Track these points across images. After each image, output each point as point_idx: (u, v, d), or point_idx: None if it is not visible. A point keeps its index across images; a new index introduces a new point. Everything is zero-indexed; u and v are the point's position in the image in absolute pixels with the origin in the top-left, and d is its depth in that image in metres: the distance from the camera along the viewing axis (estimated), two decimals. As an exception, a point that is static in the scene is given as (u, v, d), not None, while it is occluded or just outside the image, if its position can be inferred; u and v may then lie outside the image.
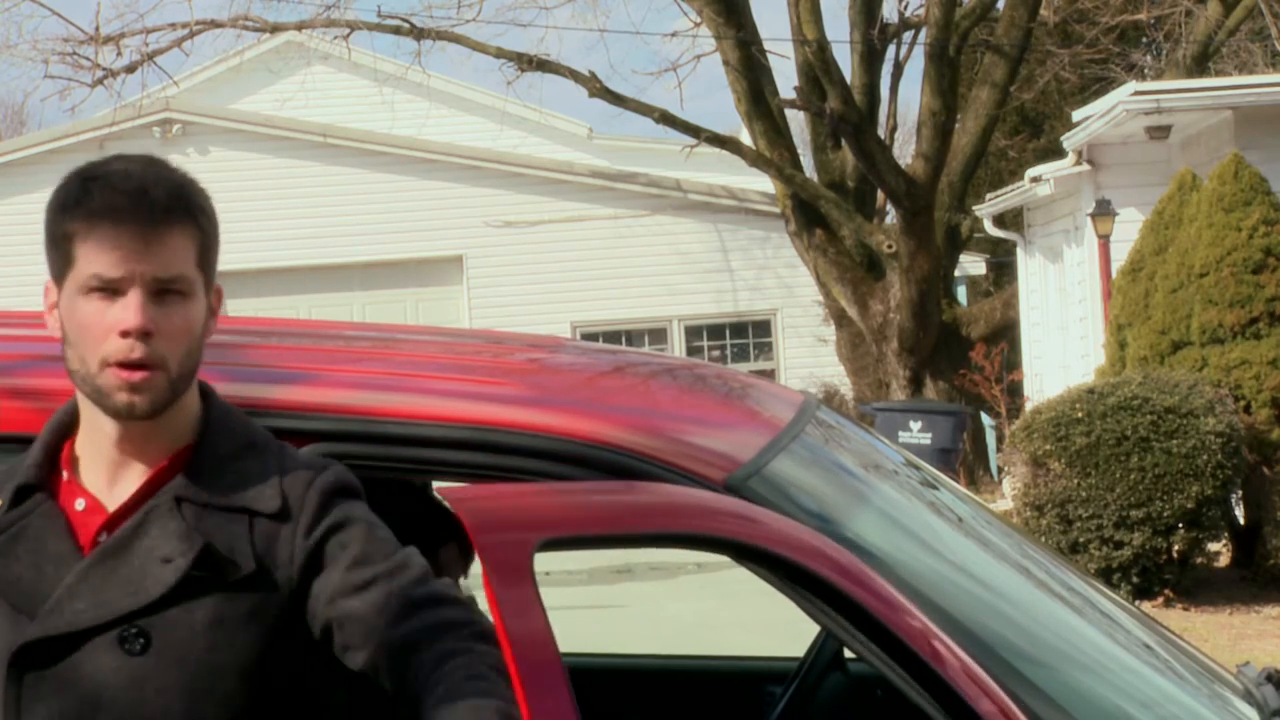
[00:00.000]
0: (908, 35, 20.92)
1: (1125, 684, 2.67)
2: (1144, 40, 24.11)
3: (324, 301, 21.66)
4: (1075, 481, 10.83)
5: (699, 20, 19.70)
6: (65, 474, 2.20)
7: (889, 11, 20.21)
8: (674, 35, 22.47)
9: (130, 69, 20.23)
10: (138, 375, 2.09)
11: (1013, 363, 19.01)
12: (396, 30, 20.11)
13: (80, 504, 2.17)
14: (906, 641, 2.23)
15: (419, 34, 19.94)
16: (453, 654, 2.03)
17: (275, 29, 21.16)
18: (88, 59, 20.04)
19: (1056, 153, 17.38)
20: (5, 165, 21.86)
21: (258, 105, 24.21)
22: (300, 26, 20.98)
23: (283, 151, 22.04)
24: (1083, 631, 2.83)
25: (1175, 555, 10.94)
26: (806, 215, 19.25)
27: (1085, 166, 15.49)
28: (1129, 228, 13.87)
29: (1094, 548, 10.83)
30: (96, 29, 19.90)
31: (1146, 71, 23.64)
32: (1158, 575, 10.94)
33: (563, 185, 22.26)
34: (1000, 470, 15.64)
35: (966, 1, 19.08)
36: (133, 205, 2.09)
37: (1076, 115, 15.65)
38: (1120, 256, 13.52)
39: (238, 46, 22.23)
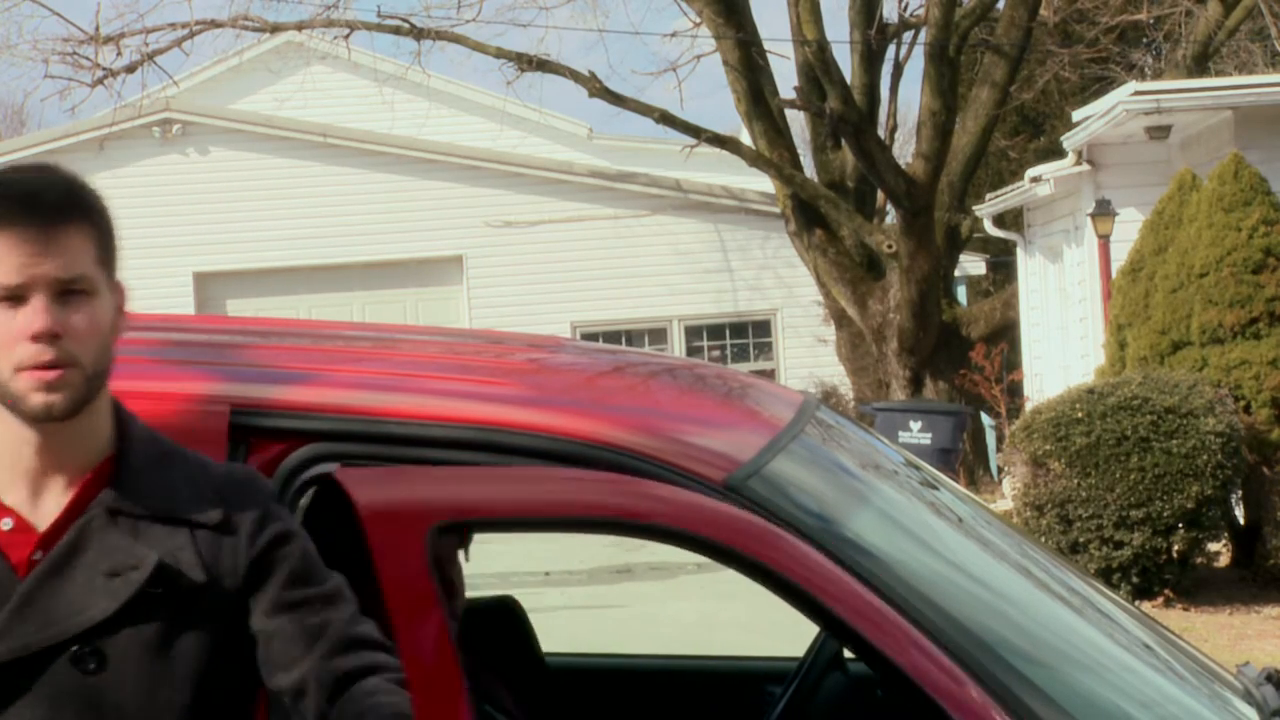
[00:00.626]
0: (908, 35, 20.92)
1: (1125, 684, 2.67)
2: (1144, 40, 24.12)
3: (324, 301, 21.66)
4: (1075, 481, 10.83)
5: (699, 20, 19.70)
6: None
7: (889, 11, 20.23)
8: (674, 35, 22.49)
9: (130, 69, 20.23)
10: (52, 374, 2.07)
11: (1013, 363, 19.01)
12: (396, 30, 20.11)
13: (6, 524, 2.13)
14: (819, 599, 2.28)
15: (419, 34, 19.94)
16: (376, 694, 2.13)
17: (275, 29, 21.15)
18: (88, 59, 20.04)
19: (1056, 153, 17.38)
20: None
21: (257, 105, 24.21)
22: (300, 26, 20.97)
23: (283, 151, 22.04)
24: (1083, 631, 2.83)
25: (1175, 555, 10.94)
26: (806, 215, 19.25)
27: (1085, 166, 15.49)
28: (1129, 228, 13.87)
29: (1094, 548, 10.83)
30: (96, 29, 19.90)
31: (1146, 71, 23.64)
32: (1158, 575, 10.94)
33: (563, 185, 22.26)
34: (1000, 470, 15.63)
35: (966, 1, 19.08)
36: (25, 210, 2.08)
37: (1076, 115, 15.65)
38: (1120, 256, 13.52)
39: (237, 46, 22.24)
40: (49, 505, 2.14)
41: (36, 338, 2.06)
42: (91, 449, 2.16)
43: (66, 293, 2.08)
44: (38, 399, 2.07)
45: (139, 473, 2.16)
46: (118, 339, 2.16)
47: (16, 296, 2.07)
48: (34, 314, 2.06)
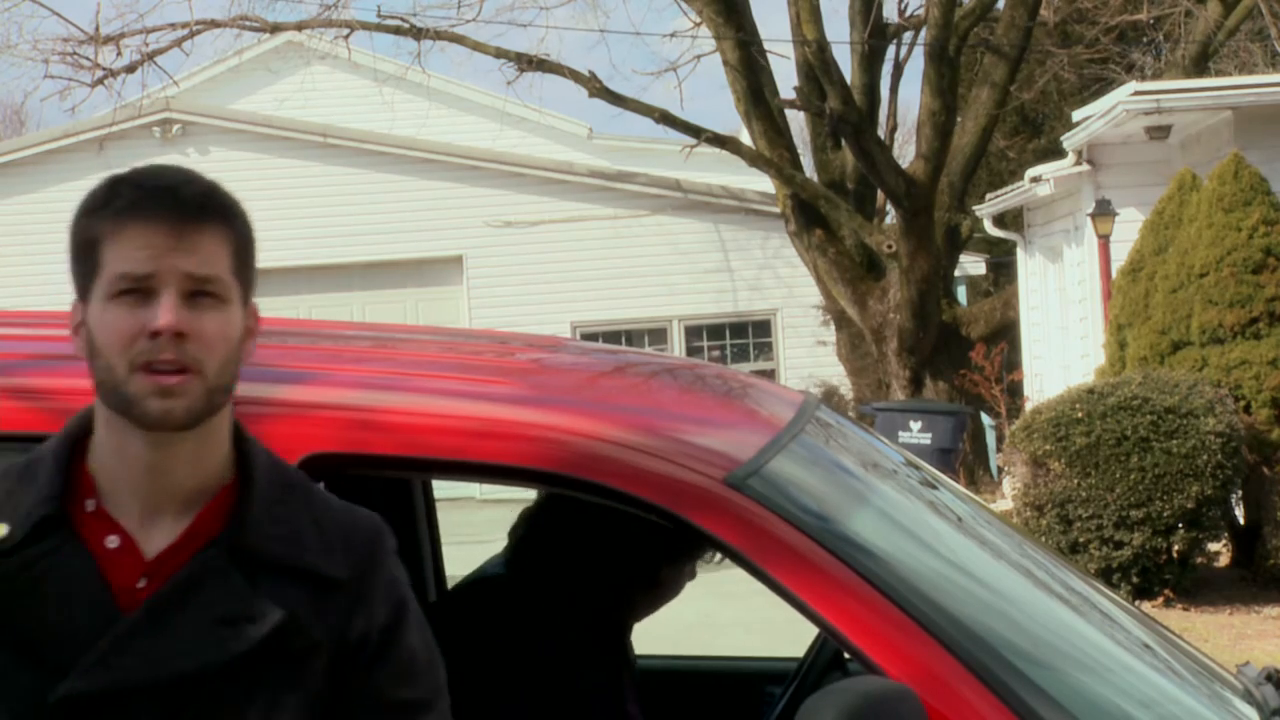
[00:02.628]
0: (908, 35, 20.92)
1: (1125, 684, 2.67)
2: (1144, 40, 24.10)
3: (324, 301, 21.67)
4: (1075, 481, 10.83)
5: (699, 20, 19.70)
6: (89, 503, 1.98)
7: (889, 11, 20.22)
8: (674, 35, 22.49)
9: (130, 69, 20.22)
10: (172, 379, 1.90)
11: (1013, 363, 19.01)
12: (396, 30, 20.11)
13: (112, 541, 1.96)
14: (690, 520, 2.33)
15: (418, 34, 19.94)
16: None
17: (275, 29, 21.15)
18: (88, 59, 20.04)
19: (1056, 153, 17.37)
20: (5, 165, 21.85)
21: (258, 105, 24.21)
22: (300, 26, 20.97)
23: (283, 151, 22.04)
24: (1083, 631, 2.83)
25: (1175, 555, 10.94)
26: (806, 215, 19.25)
27: (1085, 166, 15.49)
28: (1129, 228, 13.87)
29: (1094, 548, 10.83)
30: (96, 29, 19.90)
31: (1146, 71, 23.63)
32: (1158, 575, 10.94)
33: (563, 185, 22.26)
34: (1000, 470, 15.63)
35: (966, 1, 19.08)
36: (162, 200, 1.94)
37: (1076, 115, 15.65)
38: (1120, 256, 13.52)
39: (237, 46, 22.25)
40: (159, 530, 1.97)
41: (158, 333, 1.90)
42: (209, 472, 2.00)
43: (197, 294, 1.93)
44: (154, 404, 1.91)
45: (263, 508, 1.99)
46: (246, 359, 2.00)
47: (144, 290, 1.92)
48: (160, 308, 1.90)
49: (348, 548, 2.02)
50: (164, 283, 1.92)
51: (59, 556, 1.95)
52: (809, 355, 21.96)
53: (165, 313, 1.90)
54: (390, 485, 3.55)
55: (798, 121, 22.95)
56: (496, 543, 3.18)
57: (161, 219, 1.93)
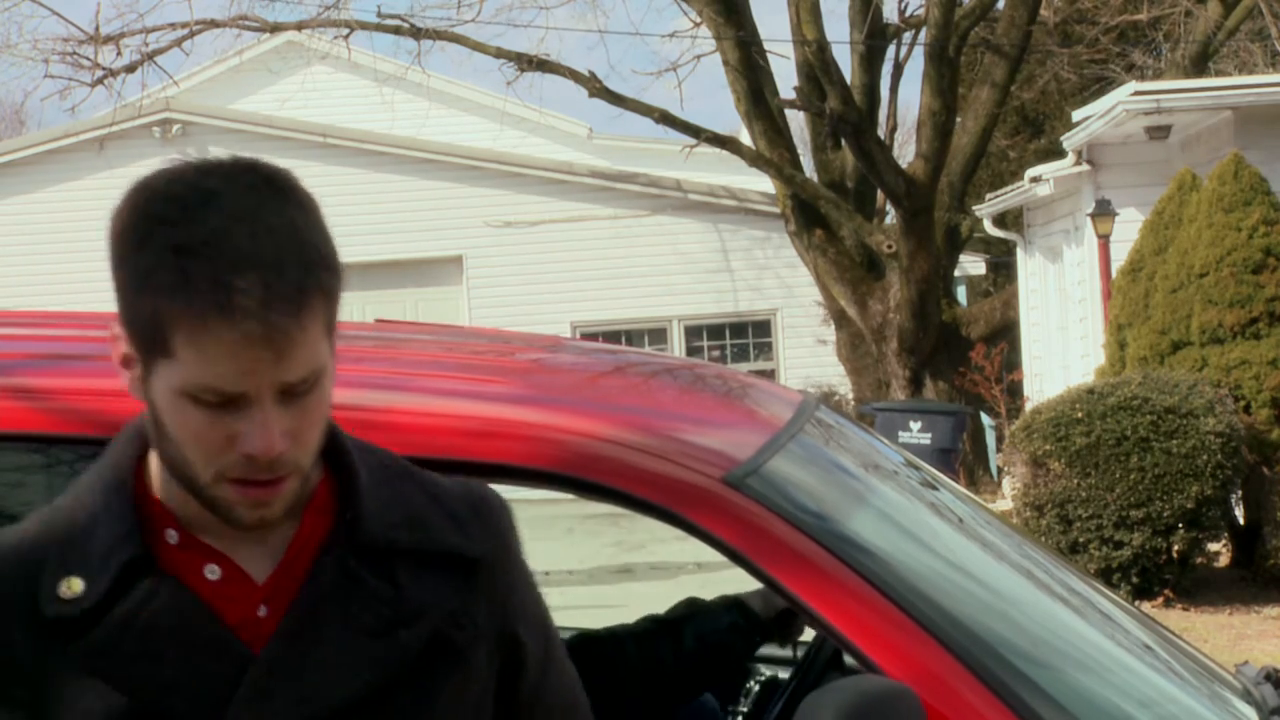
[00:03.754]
0: (908, 35, 20.92)
1: (1124, 683, 2.67)
2: (1144, 40, 24.10)
3: (324, 301, 21.65)
4: (1075, 481, 10.83)
5: (699, 20, 19.70)
6: (170, 534, 1.68)
7: (889, 11, 20.23)
8: (674, 35, 22.49)
9: (130, 69, 20.23)
10: (268, 493, 1.62)
11: (1012, 363, 19.01)
12: (396, 30, 20.11)
13: (212, 572, 1.66)
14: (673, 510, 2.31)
15: (418, 34, 19.94)
16: None
17: (275, 29, 21.16)
18: (88, 59, 20.04)
19: (1056, 153, 17.38)
20: (5, 165, 21.86)
21: (258, 105, 24.22)
22: (300, 26, 20.98)
23: (283, 151, 22.04)
24: (1082, 631, 2.83)
25: (1175, 555, 10.94)
26: (806, 215, 19.25)
27: (1085, 166, 15.49)
28: (1129, 228, 13.87)
29: (1094, 548, 10.83)
30: (96, 29, 19.90)
31: (1146, 71, 23.63)
32: (1158, 575, 10.94)
33: (563, 185, 22.27)
34: (1000, 470, 15.64)
35: (966, 1, 19.08)
36: (256, 307, 1.55)
37: (1076, 115, 15.65)
38: (1120, 256, 13.52)
39: (237, 46, 22.25)
40: (259, 548, 1.67)
41: (253, 458, 1.60)
42: (303, 480, 1.70)
43: (296, 387, 1.61)
44: (245, 514, 1.62)
45: (371, 494, 1.72)
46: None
47: (232, 400, 1.59)
48: (257, 429, 1.59)
49: (479, 521, 1.77)
50: (259, 397, 1.59)
51: (158, 603, 1.64)
52: (809, 355, 21.96)
53: (264, 439, 1.59)
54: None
55: (798, 121, 22.96)
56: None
57: (254, 327, 1.55)
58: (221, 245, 1.56)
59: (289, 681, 1.64)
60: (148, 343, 1.59)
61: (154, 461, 1.69)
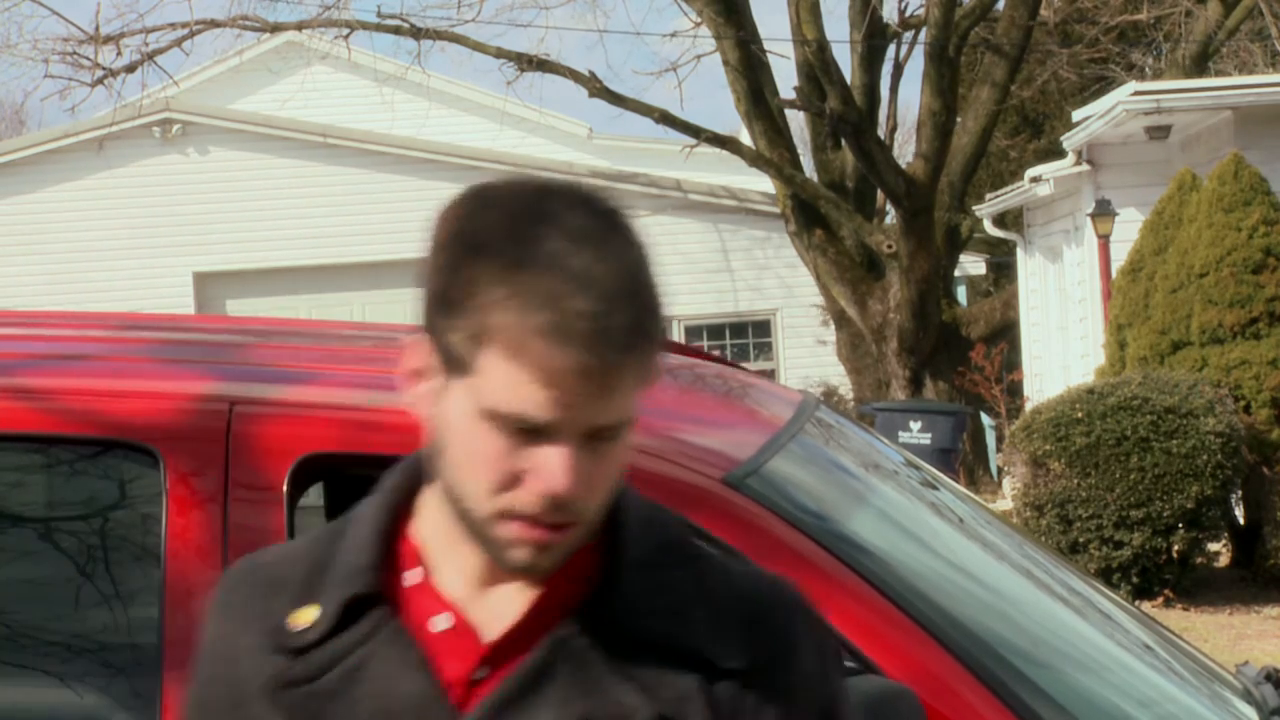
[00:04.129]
0: (908, 35, 20.92)
1: (1124, 683, 2.67)
2: (1144, 40, 24.10)
3: (324, 301, 21.66)
4: (1075, 481, 10.83)
5: (699, 20, 19.70)
6: (411, 574, 1.57)
7: (889, 11, 20.22)
8: (674, 35, 22.48)
9: (130, 69, 20.22)
10: (550, 536, 1.50)
11: (1013, 363, 19.01)
12: (396, 30, 20.11)
13: (442, 622, 1.55)
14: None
15: (418, 34, 19.94)
16: None
17: (275, 29, 21.15)
18: (88, 59, 20.03)
19: (1056, 153, 17.37)
20: (5, 165, 21.85)
21: (258, 105, 24.21)
22: (300, 26, 20.97)
23: (283, 151, 22.04)
24: (1082, 631, 2.83)
25: (1175, 555, 10.94)
26: (806, 215, 19.25)
27: (1085, 166, 15.49)
28: (1129, 228, 13.87)
29: (1094, 548, 10.83)
30: (96, 29, 19.90)
31: (1146, 71, 23.63)
32: (1158, 575, 10.94)
33: (563, 185, 22.25)
34: (1000, 470, 15.64)
35: (966, 1, 19.08)
36: (587, 335, 1.45)
37: (1076, 115, 15.65)
38: (1120, 256, 13.52)
39: (238, 46, 22.23)
40: (497, 604, 1.55)
41: (547, 498, 1.48)
42: None
43: (596, 436, 1.50)
44: (519, 555, 1.51)
45: (636, 574, 1.56)
46: None
47: (534, 431, 1.48)
48: (555, 467, 1.47)
49: (749, 626, 1.57)
50: (565, 435, 1.48)
51: (375, 644, 1.54)
52: (809, 355, 21.96)
53: (561, 478, 1.47)
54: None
55: (798, 121, 22.95)
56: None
57: (579, 359, 1.45)
58: (562, 265, 1.46)
59: None
60: (456, 357, 1.49)
61: (425, 498, 1.59)
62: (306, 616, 1.56)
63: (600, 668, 1.52)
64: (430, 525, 1.57)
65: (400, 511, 1.60)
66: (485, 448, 1.48)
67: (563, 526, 1.49)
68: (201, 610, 2.30)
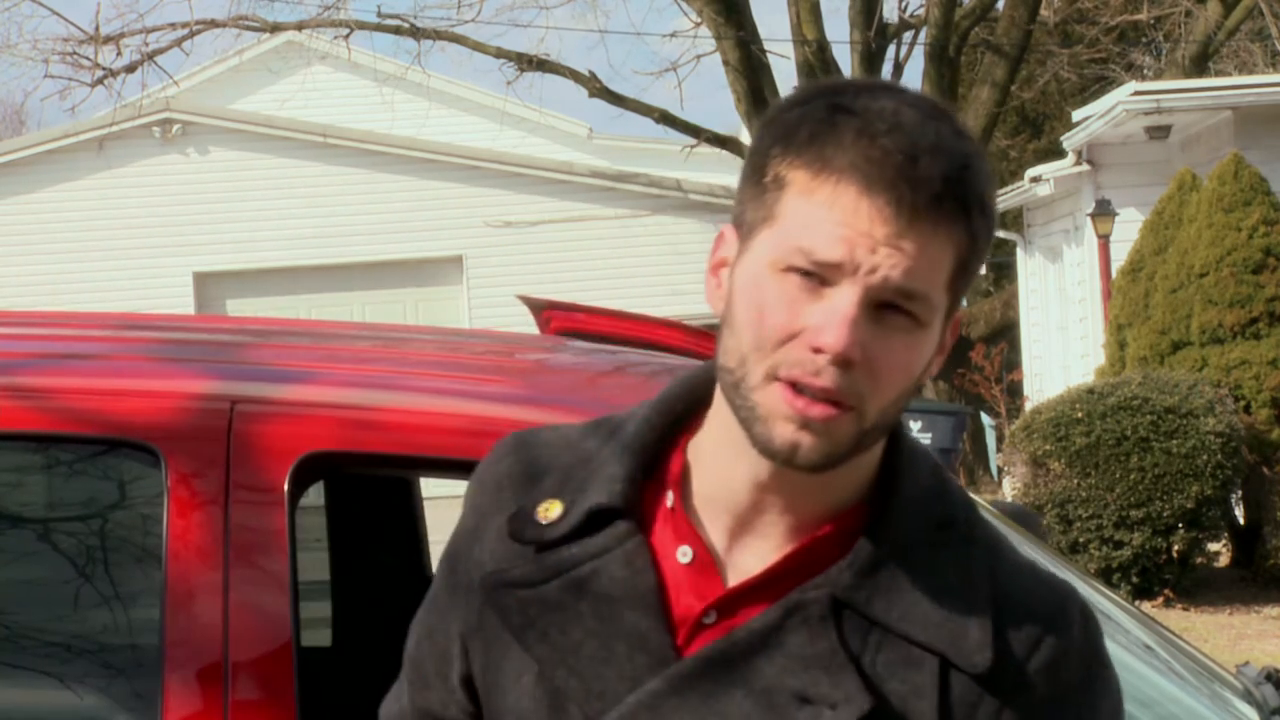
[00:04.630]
0: (908, 35, 20.93)
1: (1125, 684, 2.66)
2: (1144, 40, 24.11)
3: (324, 301, 21.66)
4: (1075, 481, 10.83)
5: (699, 20, 19.71)
6: (669, 496, 1.49)
7: (889, 11, 20.23)
8: (674, 35, 22.47)
9: (130, 69, 20.22)
10: (817, 410, 1.38)
11: (1013, 363, 19.01)
12: (396, 30, 20.12)
13: (685, 554, 1.46)
14: None
15: (419, 34, 19.95)
16: None
17: (275, 29, 21.16)
18: (88, 59, 20.04)
19: (1056, 153, 17.38)
20: (5, 165, 21.85)
21: (258, 105, 24.20)
22: (300, 26, 20.98)
23: (283, 151, 22.03)
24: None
25: (1175, 555, 10.94)
26: (806, 215, 19.24)
27: (1085, 166, 15.49)
28: (1129, 228, 13.87)
29: (1094, 548, 10.83)
30: (96, 29, 19.90)
31: (1146, 71, 23.63)
32: (1158, 575, 10.94)
33: (563, 185, 22.25)
34: (1000, 470, 15.64)
35: (966, 1, 19.09)
36: (891, 171, 1.38)
37: (1076, 115, 15.66)
38: (1120, 256, 13.53)
39: (238, 46, 22.24)
40: (749, 551, 1.46)
41: (820, 350, 1.38)
42: (834, 499, 1.47)
43: (887, 306, 1.40)
44: (783, 431, 1.39)
45: (900, 551, 1.45)
46: (922, 383, 1.48)
47: (822, 279, 1.39)
48: (831, 316, 1.38)
49: (1008, 628, 1.44)
50: (850, 281, 1.39)
51: (611, 560, 1.46)
52: (809, 355, 21.95)
53: (838, 330, 1.37)
54: (390, 484, 3.55)
55: (798, 121, 22.93)
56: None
57: (880, 195, 1.38)
58: (883, 114, 1.40)
59: (681, 713, 1.41)
60: (755, 205, 1.44)
61: (709, 416, 1.50)
62: (554, 511, 1.49)
63: (830, 644, 1.41)
64: (703, 447, 1.49)
65: (675, 425, 1.52)
66: (767, 297, 1.41)
67: (832, 403, 1.38)
68: (208, 614, 2.30)
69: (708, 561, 1.45)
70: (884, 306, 1.39)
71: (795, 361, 1.38)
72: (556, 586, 1.45)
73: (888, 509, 1.46)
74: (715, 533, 1.46)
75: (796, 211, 1.40)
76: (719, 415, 1.47)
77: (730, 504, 1.46)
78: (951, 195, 1.39)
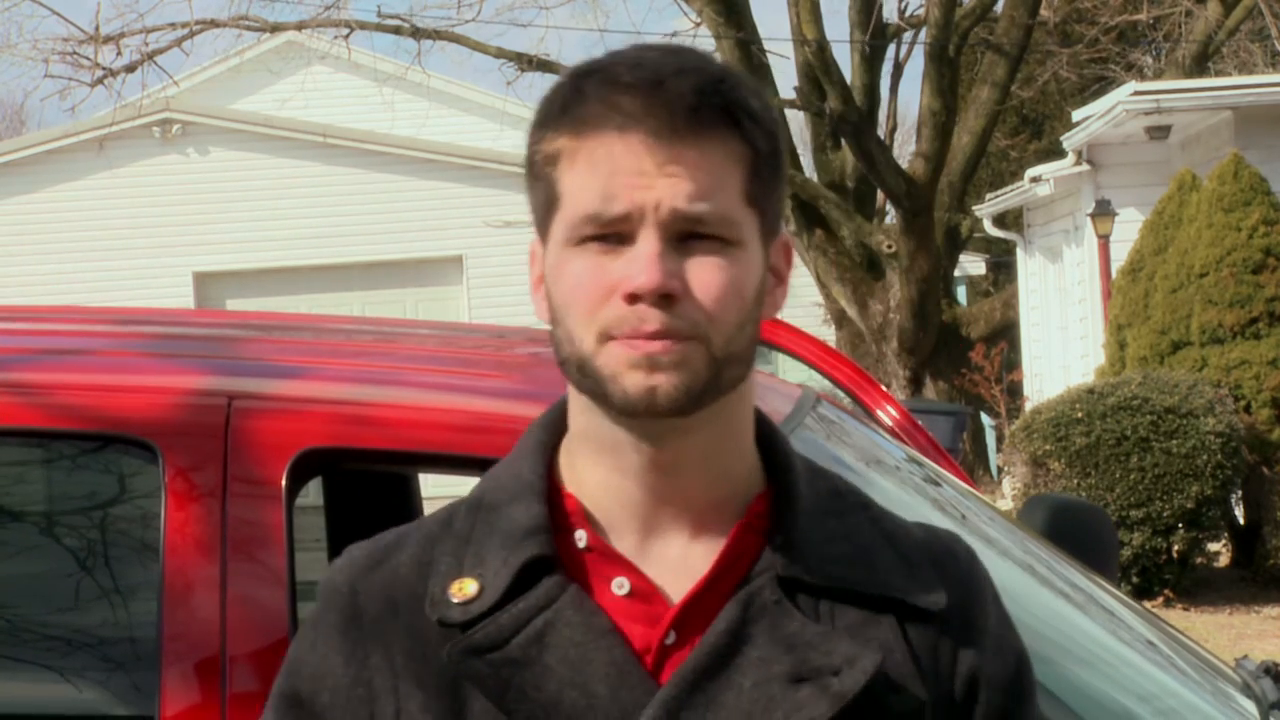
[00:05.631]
0: (908, 35, 20.93)
1: (1125, 678, 2.66)
2: (1144, 40, 24.10)
3: (324, 301, 21.66)
4: (1075, 481, 10.83)
5: (699, 20, 19.70)
6: (579, 535, 1.46)
7: (889, 11, 20.23)
8: (674, 35, 22.46)
9: (130, 69, 20.22)
10: (656, 345, 1.37)
11: (1013, 363, 19.01)
12: (396, 30, 20.11)
13: (621, 585, 1.44)
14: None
15: (418, 34, 19.94)
16: None
17: (275, 29, 21.15)
18: (88, 59, 20.03)
19: (1056, 153, 17.38)
20: (5, 165, 21.84)
21: (258, 105, 24.21)
22: (300, 26, 20.97)
23: (283, 151, 22.04)
24: (1083, 626, 2.82)
25: (1175, 555, 10.94)
26: (806, 215, 19.25)
27: (1085, 166, 15.49)
28: (1129, 228, 13.87)
29: (1094, 547, 10.83)
30: (96, 29, 19.89)
31: (1146, 71, 23.62)
32: (1158, 575, 10.94)
33: (563, 185, 22.27)
34: (1000, 470, 15.63)
35: (966, 1, 19.09)
36: (639, 102, 1.37)
37: (1076, 115, 15.66)
38: (1120, 256, 13.53)
39: (238, 46, 22.24)
40: (672, 563, 1.44)
41: (635, 298, 1.37)
42: (730, 478, 1.46)
43: (690, 237, 1.39)
44: (634, 380, 1.38)
45: (813, 522, 1.46)
46: (772, 314, 1.47)
47: (617, 236, 1.39)
48: (635, 261, 1.37)
49: (936, 568, 1.48)
50: (641, 225, 1.38)
51: (557, 610, 1.42)
52: (809, 355, 21.92)
53: (645, 269, 1.37)
54: (388, 479, 3.55)
55: (798, 122, 22.95)
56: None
57: (637, 129, 1.37)
58: (624, 61, 1.41)
59: None
60: (542, 202, 1.46)
61: (567, 442, 1.48)
62: (470, 587, 1.43)
63: (798, 621, 1.41)
64: (579, 473, 1.47)
65: (551, 467, 1.49)
66: (575, 274, 1.40)
67: (670, 337, 1.37)
68: (206, 609, 2.30)
69: (645, 587, 1.44)
70: (688, 239, 1.39)
71: (620, 319, 1.38)
72: (518, 645, 1.41)
73: (788, 485, 1.47)
74: (631, 553, 1.45)
75: (571, 183, 1.41)
76: (582, 433, 1.46)
77: (631, 523, 1.45)
78: (709, 105, 1.38)
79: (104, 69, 20.02)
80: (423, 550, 1.48)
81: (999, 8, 19.31)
